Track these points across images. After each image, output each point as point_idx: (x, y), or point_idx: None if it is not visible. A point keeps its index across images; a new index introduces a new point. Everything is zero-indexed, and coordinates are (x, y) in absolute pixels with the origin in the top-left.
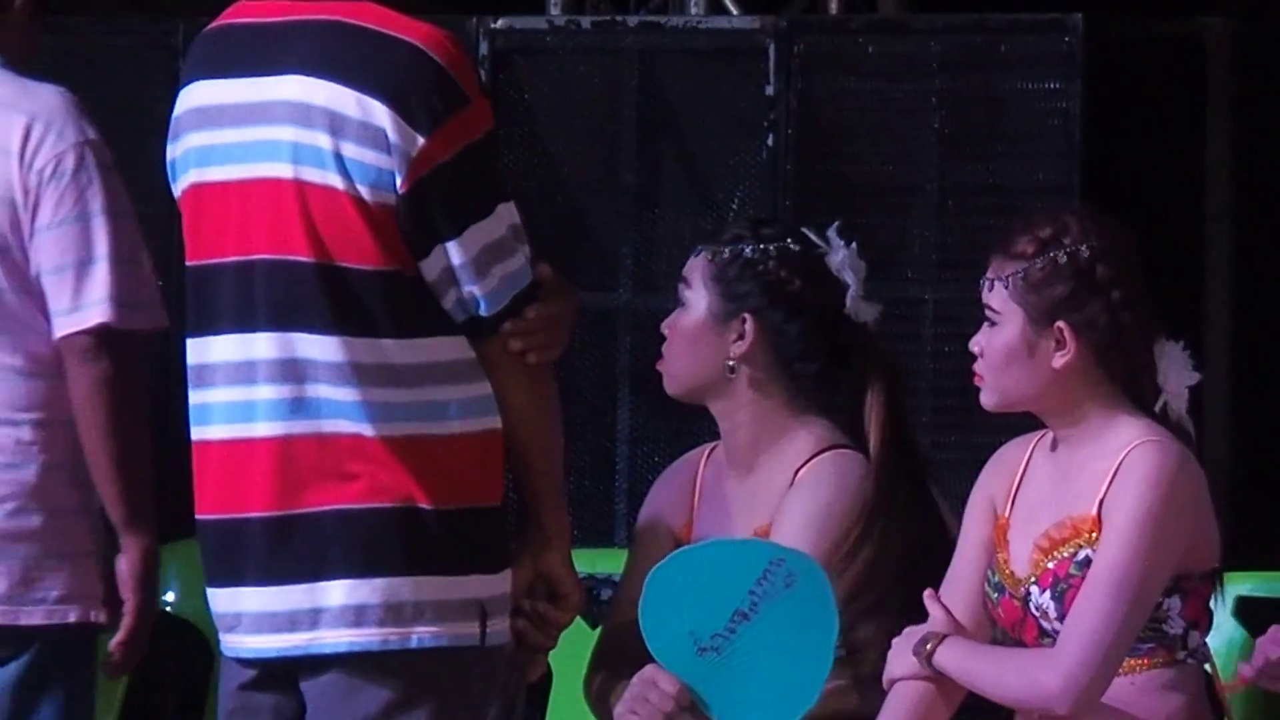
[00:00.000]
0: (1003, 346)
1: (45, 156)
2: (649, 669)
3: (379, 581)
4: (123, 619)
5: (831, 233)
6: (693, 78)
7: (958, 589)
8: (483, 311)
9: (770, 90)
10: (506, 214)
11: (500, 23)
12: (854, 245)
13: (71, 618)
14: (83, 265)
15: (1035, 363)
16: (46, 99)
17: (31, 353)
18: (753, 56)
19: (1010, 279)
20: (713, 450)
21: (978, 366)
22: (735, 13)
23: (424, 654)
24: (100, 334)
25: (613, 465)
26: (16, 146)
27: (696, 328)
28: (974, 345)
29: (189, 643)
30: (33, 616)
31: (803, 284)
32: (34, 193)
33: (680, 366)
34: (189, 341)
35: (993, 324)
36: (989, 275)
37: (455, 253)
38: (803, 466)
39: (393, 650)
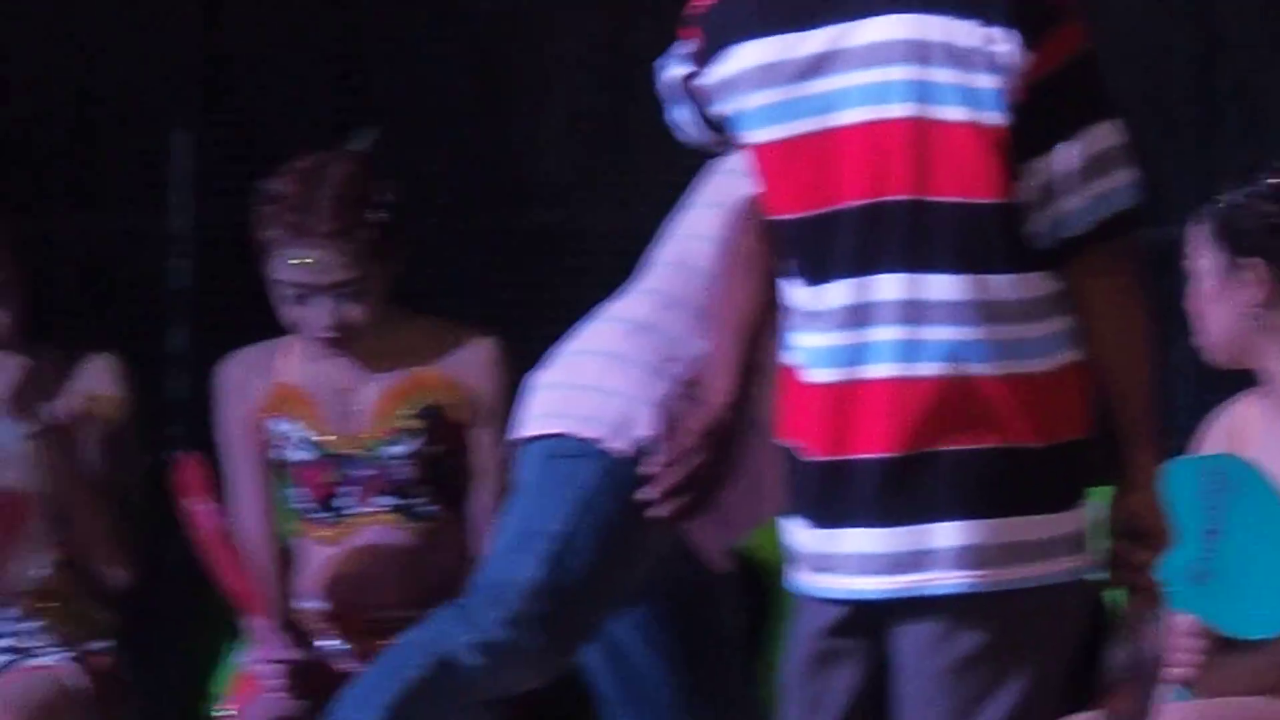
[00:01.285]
0: None
1: None
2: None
3: (993, 522)
4: None
5: None
6: None
7: None
8: (1072, 228)
9: None
10: (1116, 129)
11: None
12: None
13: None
14: None
15: None
16: None
17: None
18: None
19: None
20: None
21: None
22: None
23: (1027, 593)
24: None
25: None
26: None
27: (1210, 292)
28: None
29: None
30: None
31: None
32: None
33: (1209, 338)
34: (790, 288)
35: None
36: None
37: (1060, 159)
38: None
39: (1001, 591)
